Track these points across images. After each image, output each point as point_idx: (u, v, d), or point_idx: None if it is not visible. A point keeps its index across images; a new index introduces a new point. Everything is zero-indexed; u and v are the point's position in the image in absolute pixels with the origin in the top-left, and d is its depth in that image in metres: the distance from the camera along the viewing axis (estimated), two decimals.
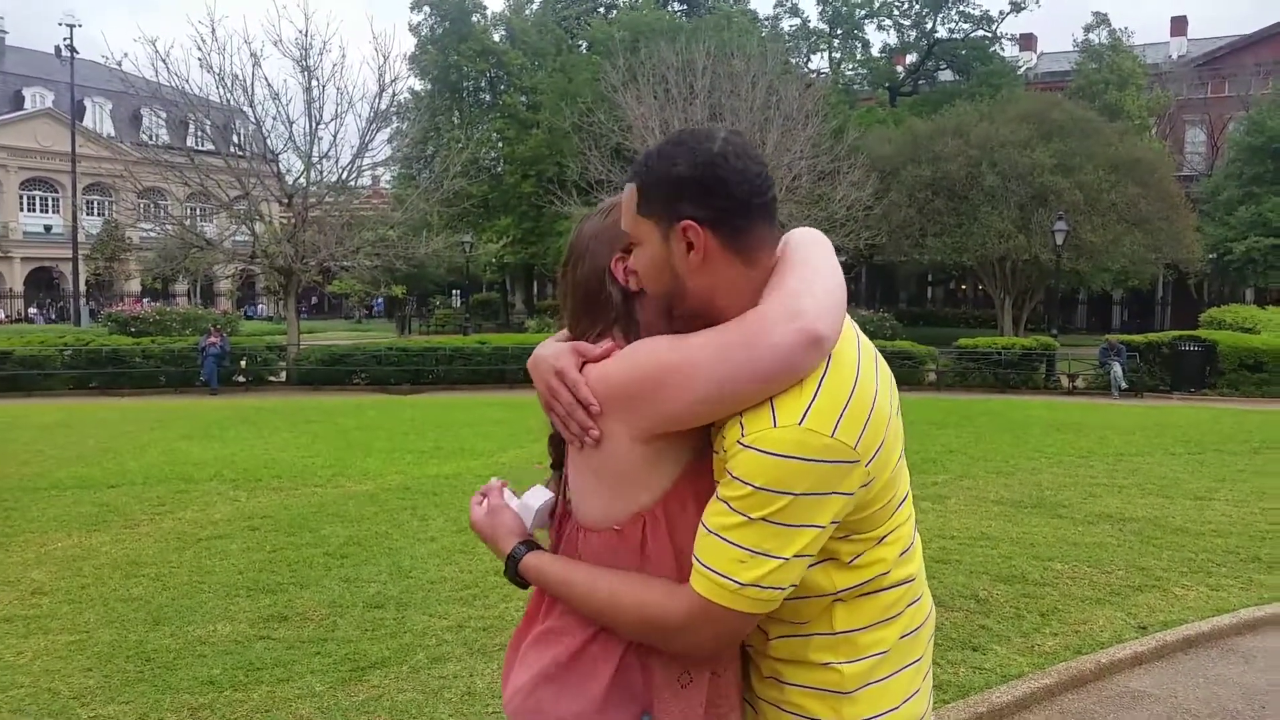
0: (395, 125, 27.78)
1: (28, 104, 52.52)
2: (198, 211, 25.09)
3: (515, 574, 1.49)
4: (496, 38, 39.12)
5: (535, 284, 46.63)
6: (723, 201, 1.34)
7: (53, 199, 51.70)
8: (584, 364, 1.40)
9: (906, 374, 21.36)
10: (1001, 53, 42.75)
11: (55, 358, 19.44)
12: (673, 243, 1.36)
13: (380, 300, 51.68)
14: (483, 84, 38.35)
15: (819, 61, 43.97)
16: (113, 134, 49.07)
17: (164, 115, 22.63)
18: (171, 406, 16.03)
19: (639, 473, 1.37)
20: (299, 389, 19.85)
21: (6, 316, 45.87)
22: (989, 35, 42.14)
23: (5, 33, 56.47)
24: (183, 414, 14.57)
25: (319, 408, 15.31)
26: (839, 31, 43.21)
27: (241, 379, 20.62)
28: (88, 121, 50.41)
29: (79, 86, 42.10)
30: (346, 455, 10.00)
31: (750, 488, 1.27)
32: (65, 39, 37.89)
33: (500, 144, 36.21)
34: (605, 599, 1.37)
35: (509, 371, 19.92)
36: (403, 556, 5.96)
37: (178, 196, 24.64)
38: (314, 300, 59.04)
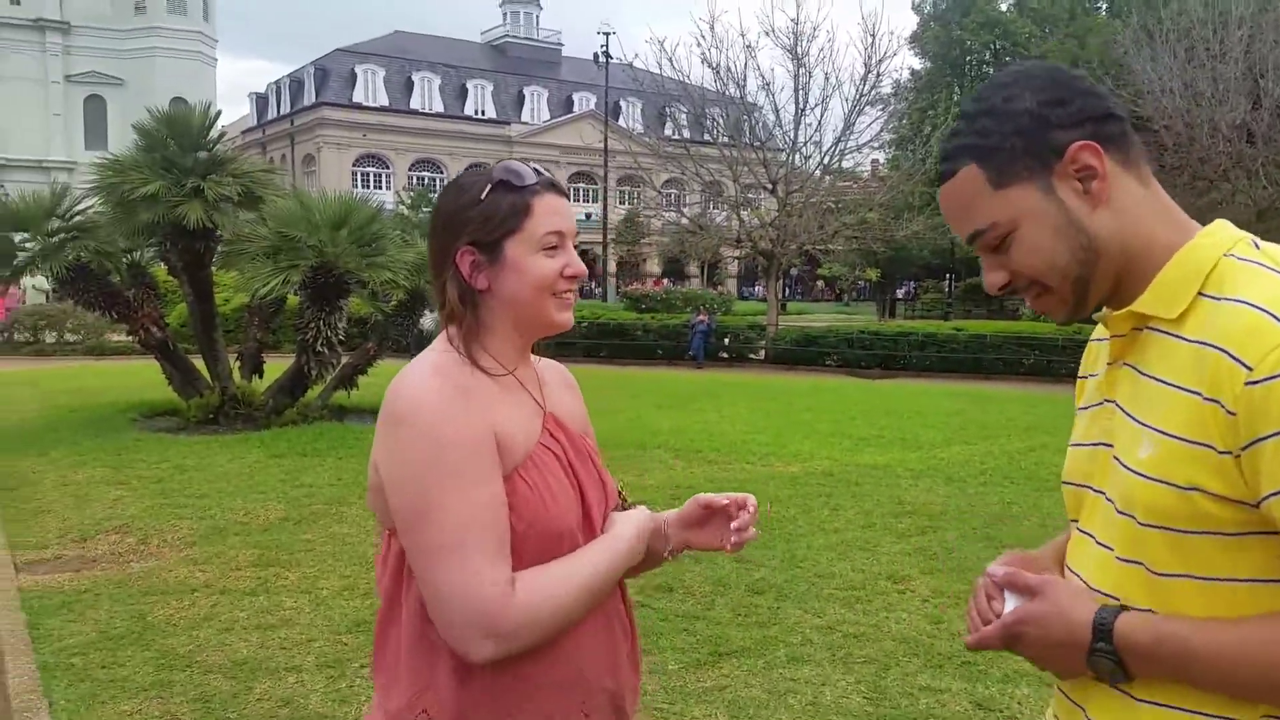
0: (892, 106, 27.45)
1: (576, 107, 60.66)
2: (709, 201, 26.97)
3: (1113, 654, 1.04)
4: (1004, 7, 36.96)
5: None
6: (1096, 107, 1.08)
7: (592, 190, 59.08)
8: None
9: None
10: None
11: (574, 328, 22.14)
12: (1061, 190, 1.07)
13: (865, 283, 51.72)
14: (986, 57, 36.49)
15: None
16: (641, 130, 54.85)
17: (685, 109, 24.32)
18: (657, 376, 17.46)
19: None
20: (774, 368, 20.54)
21: None
22: None
23: (561, 45, 65.57)
24: (663, 384, 15.78)
25: (781, 386, 15.69)
26: None
27: (724, 355, 21.86)
28: (622, 120, 56.73)
29: (614, 89, 47.34)
30: (786, 435, 10.09)
31: None
32: (602, 46, 42.75)
33: None
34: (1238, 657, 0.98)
35: (985, 360, 18.75)
36: (799, 544, 5.82)
37: (694, 186, 26.69)
38: (810, 284, 60.92)
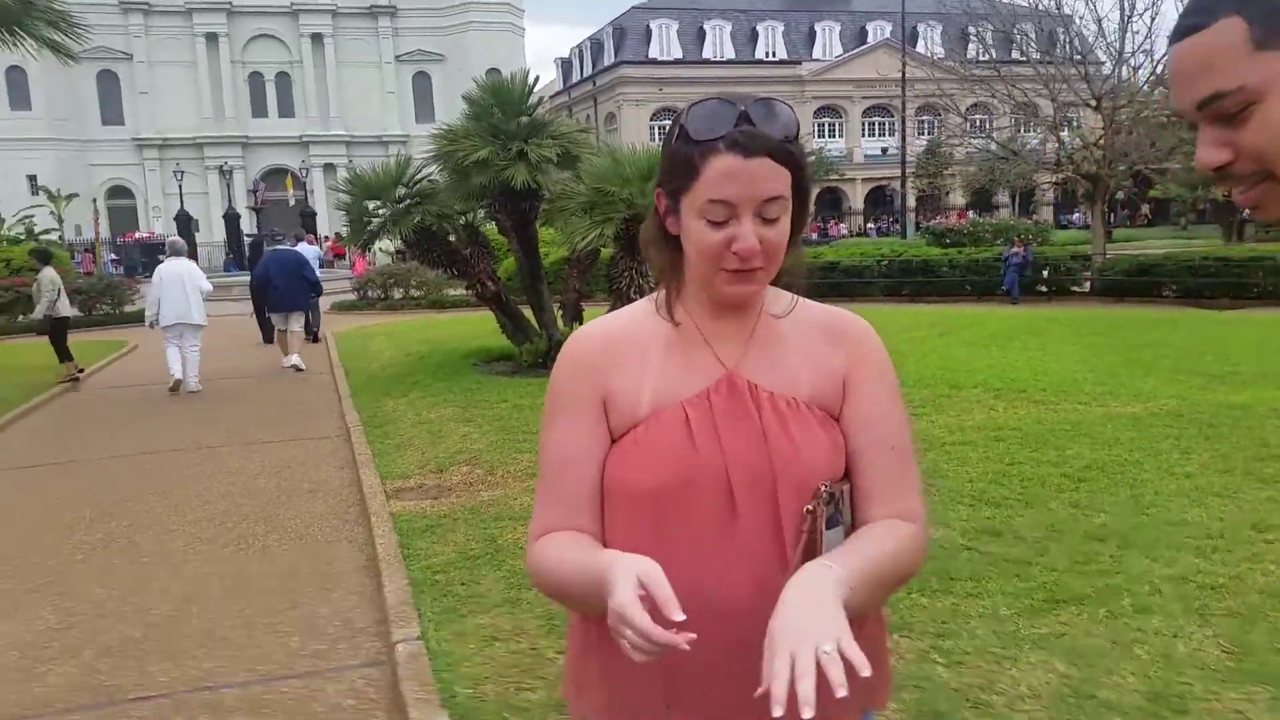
0: None
1: (870, 38, 58.38)
2: (1021, 124, 24.99)
3: None
4: None
5: None
6: None
7: (888, 123, 56.87)
8: None
9: None
10: None
11: (873, 267, 21.59)
12: None
13: (1207, 205, 45.98)
14: None
15: None
16: (941, 55, 51.81)
17: (991, 28, 22.61)
18: (967, 314, 16.62)
19: None
20: (1101, 300, 18.90)
21: (849, 231, 52.26)
22: None
23: None
24: (974, 322, 15.01)
25: (1111, 320, 14.41)
26: None
27: (1043, 289, 20.40)
28: (920, 47, 53.90)
29: (911, 15, 45.01)
30: (1122, 372, 9.27)
31: None
32: None
33: None
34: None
35: None
36: (1145, 490, 5.37)
37: (1003, 110, 24.93)
38: (1142, 208, 55.16)
